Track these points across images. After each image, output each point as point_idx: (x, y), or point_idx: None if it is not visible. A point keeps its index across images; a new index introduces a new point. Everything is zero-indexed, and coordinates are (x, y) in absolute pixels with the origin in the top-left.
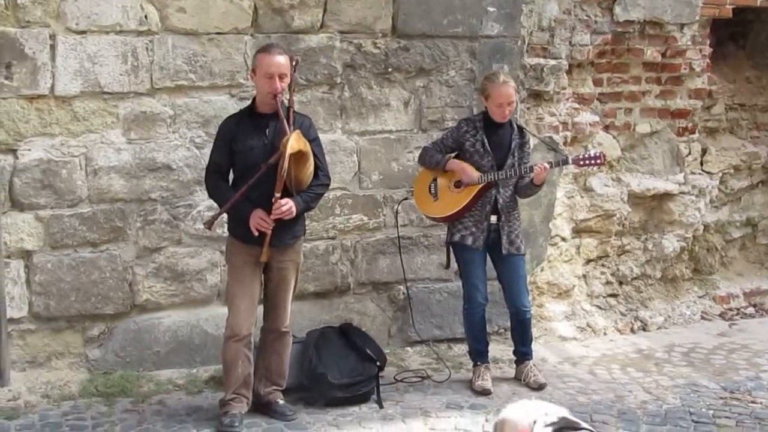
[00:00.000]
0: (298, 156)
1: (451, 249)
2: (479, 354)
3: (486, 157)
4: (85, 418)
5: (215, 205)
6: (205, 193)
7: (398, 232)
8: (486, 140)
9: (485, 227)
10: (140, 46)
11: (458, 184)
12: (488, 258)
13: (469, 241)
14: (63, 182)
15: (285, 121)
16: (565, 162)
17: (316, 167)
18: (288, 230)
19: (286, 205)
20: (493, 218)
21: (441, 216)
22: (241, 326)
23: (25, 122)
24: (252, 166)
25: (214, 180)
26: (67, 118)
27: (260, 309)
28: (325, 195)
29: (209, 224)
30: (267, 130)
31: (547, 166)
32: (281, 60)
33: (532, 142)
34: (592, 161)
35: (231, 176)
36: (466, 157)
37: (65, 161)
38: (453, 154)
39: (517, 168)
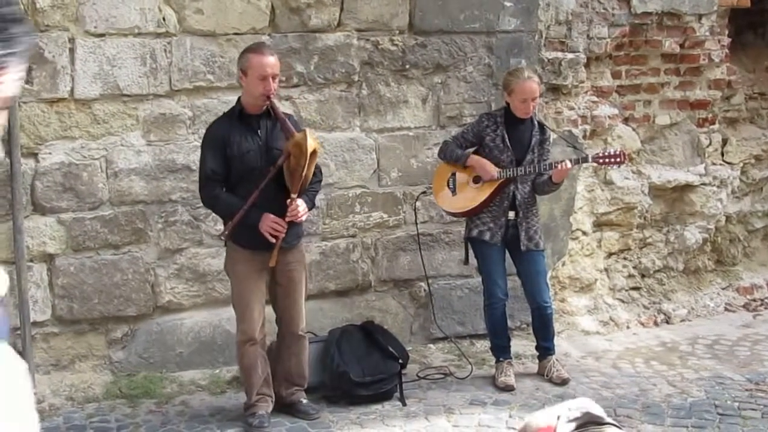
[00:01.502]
0: (312, 154)
1: (469, 244)
2: (501, 350)
3: (505, 153)
4: (109, 420)
5: None
6: None
7: (417, 228)
8: (506, 135)
9: (503, 223)
10: (159, 48)
11: (477, 180)
12: (508, 254)
13: (487, 236)
14: (84, 185)
15: (287, 121)
16: (585, 160)
17: None
18: (293, 232)
19: (302, 206)
20: (511, 214)
21: (459, 211)
22: (255, 330)
23: (45, 126)
24: (249, 170)
25: (214, 190)
26: (87, 121)
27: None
28: (345, 193)
29: (228, 235)
30: (260, 131)
31: (568, 164)
32: (273, 60)
33: (552, 137)
34: (613, 159)
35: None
36: (485, 152)
37: (86, 164)
38: (473, 149)
39: (536, 165)
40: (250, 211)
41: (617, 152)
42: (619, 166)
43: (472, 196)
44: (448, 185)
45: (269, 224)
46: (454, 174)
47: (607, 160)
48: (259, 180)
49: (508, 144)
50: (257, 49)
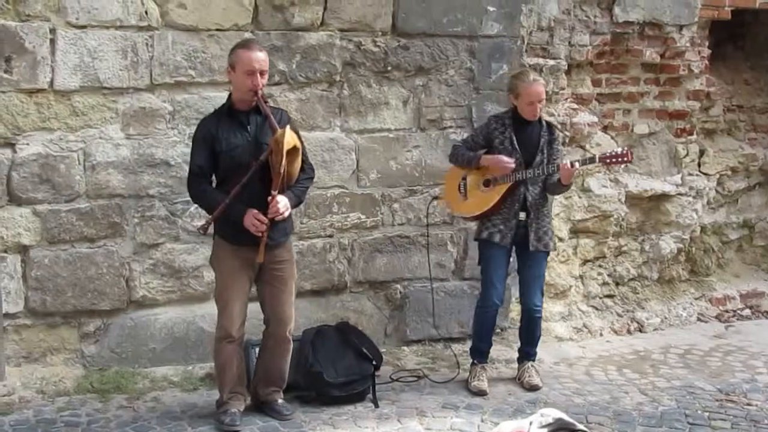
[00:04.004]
0: (291, 151)
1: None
2: (480, 354)
3: (514, 155)
4: (79, 415)
5: None
6: None
7: (428, 231)
8: (514, 138)
9: (513, 225)
10: (140, 42)
11: (487, 183)
12: (513, 255)
13: (497, 238)
14: (61, 177)
15: (271, 116)
16: (592, 161)
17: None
18: (280, 228)
19: (282, 203)
20: (522, 215)
21: (471, 215)
22: (234, 327)
23: (23, 116)
24: (238, 165)
25: (200, 184)
26: (66, 112)
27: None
28: (324, 193)
29: (205, 229)
30: (249, 127)
31: (576, 165)
32: (261, 56)
33: (561, 137)
34: (619, 159)
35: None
36: (494, 155)
37: (63, 156)
38: (483, 151)
39: (545, 167)
40: (234, 206)
41: (624, 152)
42: (626, 165)
43: (483, 200)
44: (459, 190)
45: (252, 220)
46: (464, 178)
47: (613, 159)
48: (248, 174)
49: (516, 146)
50: (246, 44)
